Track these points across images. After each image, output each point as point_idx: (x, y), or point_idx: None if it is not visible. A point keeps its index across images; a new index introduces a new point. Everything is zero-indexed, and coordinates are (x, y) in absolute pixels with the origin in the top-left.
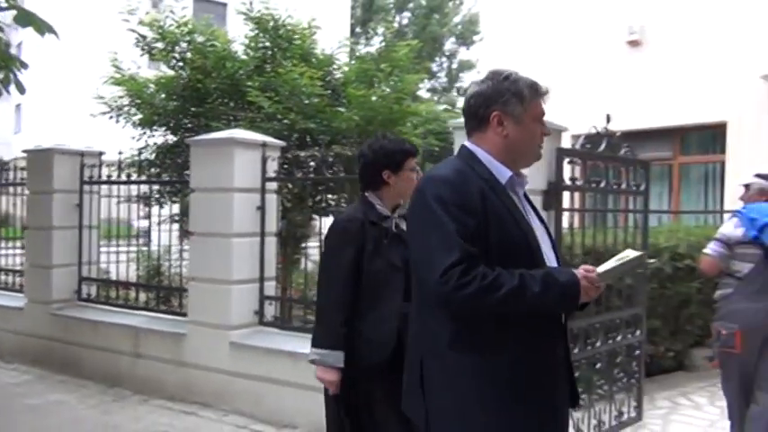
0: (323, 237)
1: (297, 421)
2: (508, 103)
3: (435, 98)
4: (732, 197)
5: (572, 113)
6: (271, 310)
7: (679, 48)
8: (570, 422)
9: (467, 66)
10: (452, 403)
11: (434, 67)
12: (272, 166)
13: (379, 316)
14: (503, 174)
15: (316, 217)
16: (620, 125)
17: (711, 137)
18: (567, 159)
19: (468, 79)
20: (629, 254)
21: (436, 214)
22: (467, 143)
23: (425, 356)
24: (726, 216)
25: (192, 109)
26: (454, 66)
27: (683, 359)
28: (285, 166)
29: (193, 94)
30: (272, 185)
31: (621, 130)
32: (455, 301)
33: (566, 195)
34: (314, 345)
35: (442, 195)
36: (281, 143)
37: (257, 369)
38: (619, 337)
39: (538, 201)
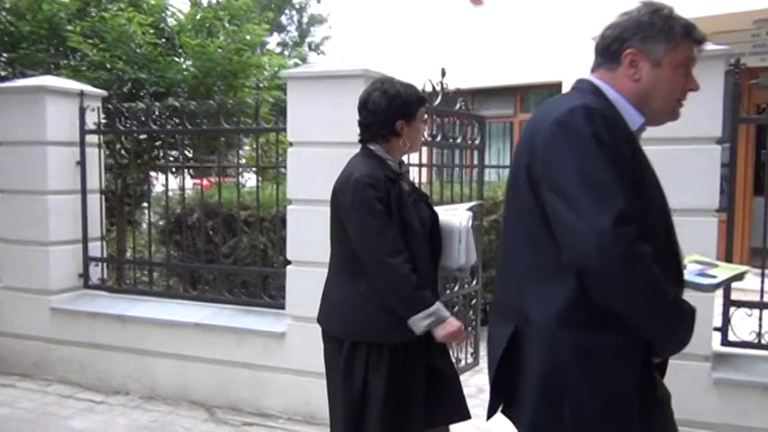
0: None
1: (128, 387)
2: (649, 40)
3: (286, 52)
4: None
5: (417, 69)
6: (97, 273)
7: (518, 8)
8: None
9: (317, 20)
10: (558, 386)
11: (284, 20)
12: (93, 118)
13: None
14: (634, 119)
15: (154, 174)
16: (464, 83)
17: (548, 96)
18: None
19: (319, 34)
20: (735, 267)
21: (592, 153)
22: (590, 77)
23: (524, 330)
24: None
25: (5, 55)
26: (305, 20)
27: None
28: (119, 119)
29: (5, 39)
30: (94, 138)
31: (466, 87)
32: (622, 262)
33: None
34: (414, 311)
35: (598, 131)
36: (102, 92)
37: (82, 335)
38: (456, 288)
39: None
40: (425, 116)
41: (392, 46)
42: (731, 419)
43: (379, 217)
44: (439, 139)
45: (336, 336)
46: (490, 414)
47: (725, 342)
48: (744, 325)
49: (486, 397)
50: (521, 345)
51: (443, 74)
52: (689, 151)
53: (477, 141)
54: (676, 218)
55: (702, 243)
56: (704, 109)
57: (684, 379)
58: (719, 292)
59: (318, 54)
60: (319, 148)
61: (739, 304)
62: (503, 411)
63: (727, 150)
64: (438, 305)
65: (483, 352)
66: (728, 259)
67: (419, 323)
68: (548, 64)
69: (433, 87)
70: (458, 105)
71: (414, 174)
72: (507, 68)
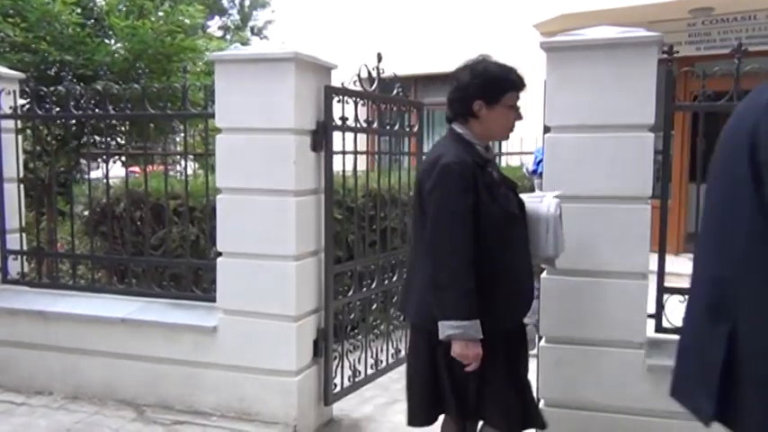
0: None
1: (52, 386)
2: None
3: (228, 36)
4: (507, 141)
5: (361, 54)
6: (16, 267)
7: None
8: (346, 363)
9: (259, 3)
10: None
11: (226, 3)
12: (9, 101)
13: (515, 272)
14: None
15: (83, 162)
16: (407, 69)
17: None
18: (336, 98)
19: (261, 18)
20: None
21: None
22: None
23: (744, 331)
24: (502, 158)
25: None
26: (247, 3)
27: None
28: (44, 103)
29: None
30: (10, 123)
31: (409, 74)
32: None
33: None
34: (446, 316)
35: None
36: (19, 74)
37: (1, 333)
38: (395, 277)
39: (305, 141)
40: (516, 103)
41: (336, 30)
42: (665, 405)
43: (459, 208)
44: (375, 125)
45: (414, 323)
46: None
47: (659, 328)
48: (678, 311)
49: None
50: (738, 347)
51: (379, 59)
52: (622, 138)
53: (415, 128)
54: (609, 205)
55: (636, 229)
56: (637, 96)
57: (619, 366)
58: (652, 278)
59: (261, 38)
60: (250, 134)
61: (672, 291)
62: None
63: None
64: (472, 323)
65: None
66: (662, 245)
67: (444, 329)
68: (490, 51)
69: (369, 73)
70: (395, 91)
71: (350, 161)
72: (450, 55)
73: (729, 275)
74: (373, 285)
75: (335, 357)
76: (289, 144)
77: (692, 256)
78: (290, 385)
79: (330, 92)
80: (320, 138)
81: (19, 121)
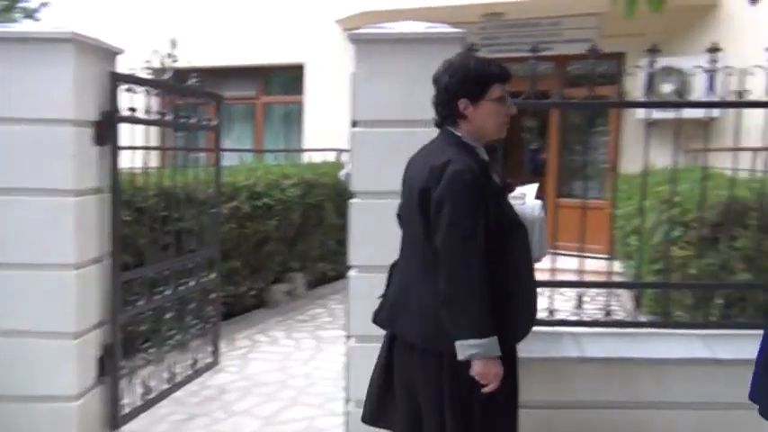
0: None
1: None
2: None
3: None
4: (309, 137)
5: (153, 45)
6: None
7: None
8: (138, 379)
9: None
10: None
11: None
12: None
13: (521, 285)
14: None
15: None
16: (204, 61)
17: (292, 78)
18: (123, 86)
19: (36, 2)
20: None
21: None
22: None
23: None
24: (305, 155)
25: None
26: None
27: (263, 296)
28: None
29: None
30: None
31: (206, 65)
32: None
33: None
34: (464, 336)
35: None
36: None
37: None
38: (192, 283)
39: (86, 134)
40: (504, 95)
41: (123, 18)
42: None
43: (473, 221)
44: (169, 117)
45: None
46: None
47: None
48: None
49: (228, 398)
50: None
51: (173, 45)
52: (423, 134)
53: (213, 122)
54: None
55: None
56: None
57: None
58: None
59: (35, 22)
60: (17, 125)
61: None
62: None
63: None
64: (490, 340)
65: (223, 349)
66: None
67: (464, 349)
68: (290, 46)
69: (162, 61)
70: (191, 81)
71: (140, 157)
72: (251, 49)
73: None
74: (167, 292)
75: (125, 375)
76: (66, 137)
77: None
78: (70, 411)
79: (116, 79)
80: (104, 130)
81: None
